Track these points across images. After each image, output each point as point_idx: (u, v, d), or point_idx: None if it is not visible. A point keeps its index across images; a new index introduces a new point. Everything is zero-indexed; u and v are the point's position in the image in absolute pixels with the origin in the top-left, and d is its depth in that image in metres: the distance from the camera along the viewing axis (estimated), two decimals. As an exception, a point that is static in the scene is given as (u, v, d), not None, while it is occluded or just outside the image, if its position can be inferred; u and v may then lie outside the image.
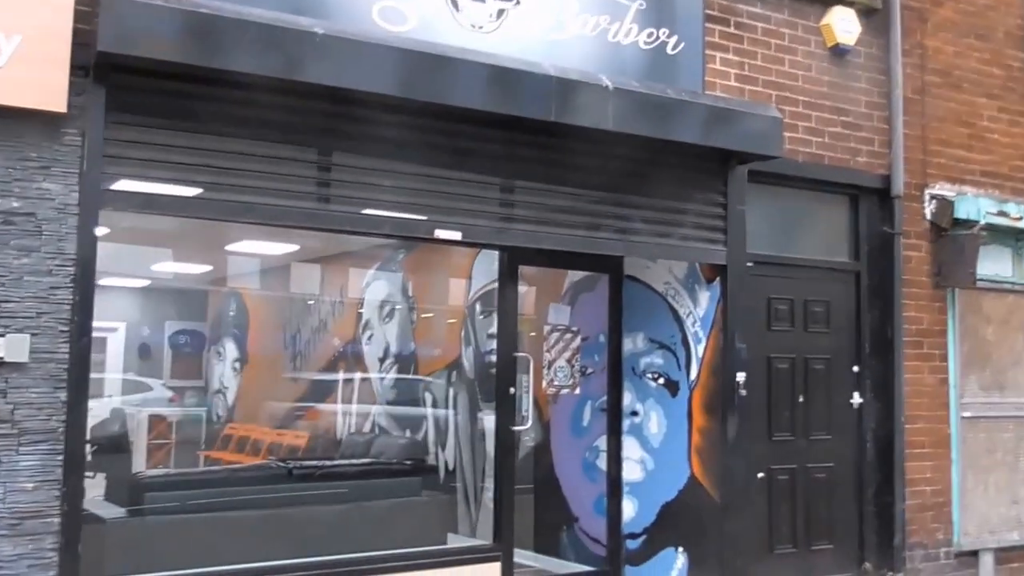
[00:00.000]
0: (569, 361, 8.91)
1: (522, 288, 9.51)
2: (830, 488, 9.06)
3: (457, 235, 7.10)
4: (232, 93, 6.26)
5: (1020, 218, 9.85)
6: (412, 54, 6.62)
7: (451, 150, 7.11)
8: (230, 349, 15.13)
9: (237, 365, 14.97)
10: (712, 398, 8.29)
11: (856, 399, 9.23)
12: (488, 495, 9.81)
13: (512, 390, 8.32)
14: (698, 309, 8.45)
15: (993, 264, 9.91)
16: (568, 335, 8.95)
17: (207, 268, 14.38)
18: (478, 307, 10.46)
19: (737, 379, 8.20)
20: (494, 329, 10.04)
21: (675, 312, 8.63)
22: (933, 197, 9.65)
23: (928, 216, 9.62)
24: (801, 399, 8.95)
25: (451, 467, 10.65)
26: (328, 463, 9.28)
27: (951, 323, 9.69)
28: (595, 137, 7.41)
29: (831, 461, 9.08)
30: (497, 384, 8.36)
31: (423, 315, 11.58)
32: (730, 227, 8.26)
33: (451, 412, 10.80)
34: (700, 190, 8.18)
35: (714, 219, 8.22)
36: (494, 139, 7.25)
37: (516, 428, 8.41)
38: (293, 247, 12.57)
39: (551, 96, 7.11)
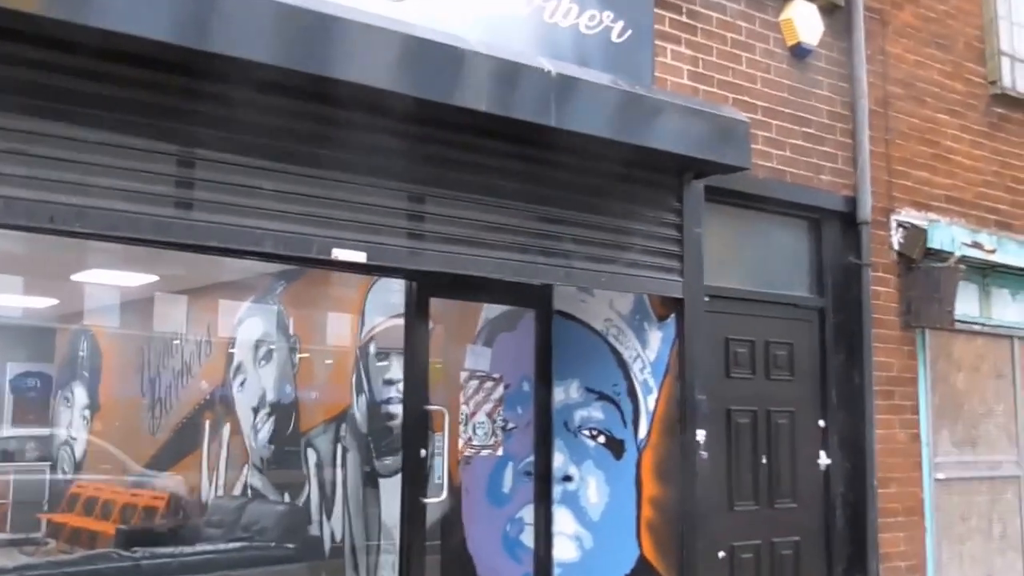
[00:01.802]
0: (490, 415, 7.12)
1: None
2: (796, 566, 7.42)
3: (361, 256, 5.27)
4: (50, 55, 4.37)
5: (994, 251, 8.43)
6: (290, 11, 4.77)
7: (353, 146, 5.30)
8: (79, 394, 12.99)
9: (87, 412, 12.85)
10: (666, 461, 6.60)
11: (823, 459, 7.63)
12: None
13: (423, 452, 6.52)
14: (648, 352, 6.77)
15: (960, 303, 8.42)
16: (489, 383, 7.16)
17: (54, 301, 12.23)
18: (372, 348, 8.67)
19: (697, 438, 6.53)
20: (392, 375, 8.32)
21: (619, 356, 6.93)
22: (900, 224, 8.16)
23: (896, 246, 8.12)
24: (764, 460, 7.31)
25: (338, 539, 8.81)
26: (187, 550, 7.22)
27: (922, 369, 8.19)
28: (532, 137, 5.73)
29: (797, 534, 7.44)
30: (404, 445, 6.58)
31: (306, 357, 9.67)
32: (686, 254, 6.60)
33: (339, 473, 8.95)
34: (652, 208, 6.51)
35: (667, 243, 6.56)
36: (406, 134, 5.47)
37: (428, 500, 6.60)
38: (153, 277, 10.56)
39: (480, 80, 5.39)
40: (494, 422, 7.14)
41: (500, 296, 7.19)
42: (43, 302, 12.17)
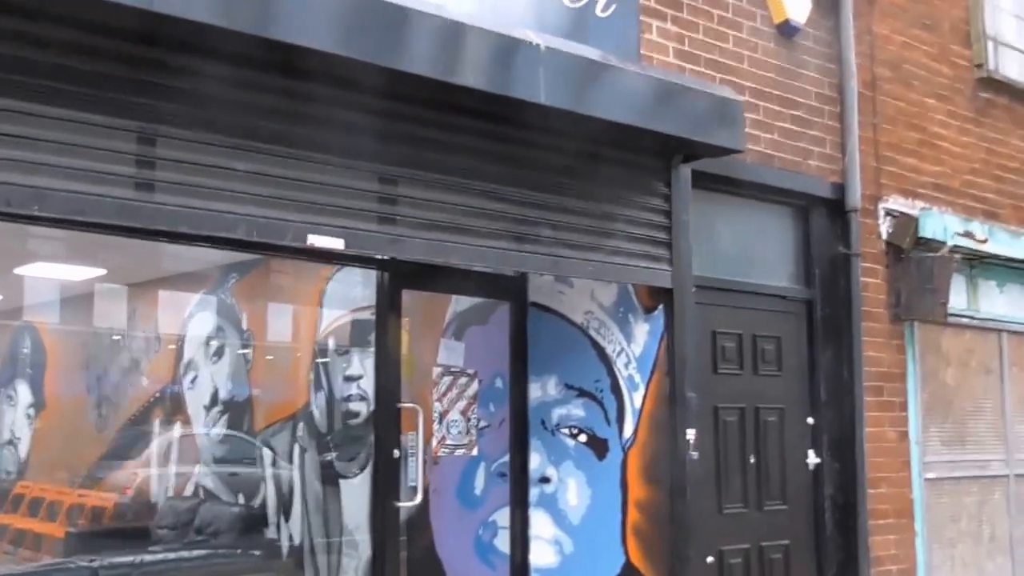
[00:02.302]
0: (464, 413, 6.66)
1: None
2: (786, 571, 7.02)
3: (339, 243, 4.78)
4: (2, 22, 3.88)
5: (985, 240, 8.09)
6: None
7: (328, 124, 4.82)
8: (23, 392, 12.32)
9: (31, 411, 12.16)
10: (655, 462, 6.19)
11: (812, 458, 7.25)
12: None
13: (396, 453, 6.07)
14: (633, 347, 6.35)
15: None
16: (463, 379, 6.70)
17: (-7, 296, 11.59)
18: (331, 343, 8.20)
19: (688, 437, 6.13)
20: (352, 371, 7.85)
21: (601, 350, 6.51)
22: (888, 213, 7.80)
23: (884, 235, 7.75)
24: (753, 459, 6.91)
25: (296, 541, 8.32)
26: (148, 559, 6.63)
27: (911, 364, 7.83)
28: (518, 116, 5.30)
29: (787, 537, 7.04)
30: (377, 445, 6.13)
31: (260, 353, 9.16)
32: (675, 242, 6.19)
33: (296, 474, 8.46)
34: (639, 193, 6.09)
35: (656, 231, 6.13)
36: (385, 112, 5.00)
37: (402, 505, 6.14)
38: (99, 271, 9.97)
39: (464, 53, 4.95)
40: (468, 420, 6.69)
41: (474, 287, 6.75)
42: (-17, 295, 11.54)
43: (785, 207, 7.40)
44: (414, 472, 6.29)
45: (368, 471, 7.72)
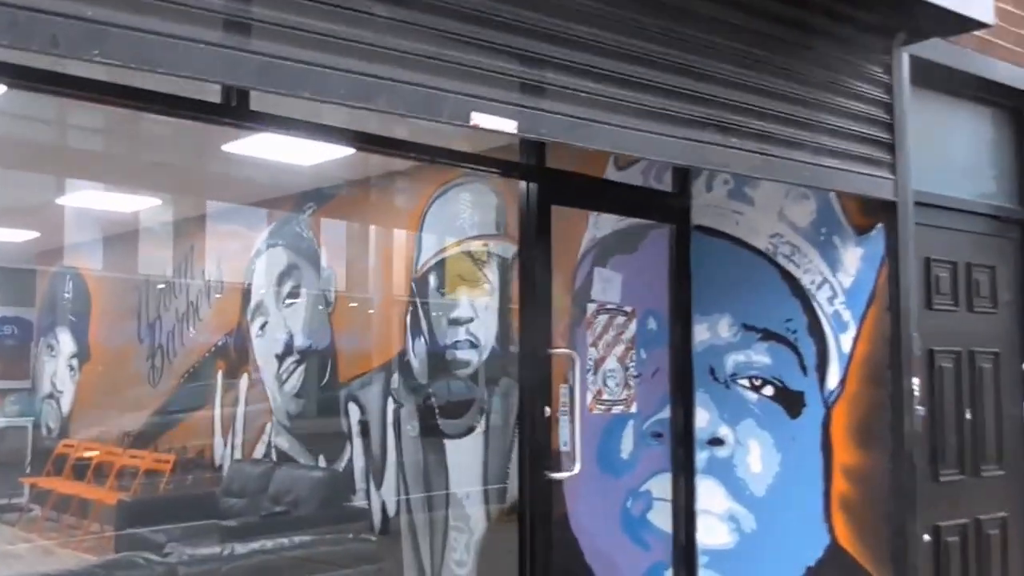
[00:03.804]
0: (622, 360, 5.41)
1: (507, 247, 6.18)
2: (1004, 550, 5.76)
3: (510, 125, 3.51)
4: None
5: None
6: None
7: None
8: (65, 342, 11.21)
9: (75, 362, 11.09)
10: (869, 420, 4.93)
11: (1030, 412, 5.98)
12: (457, 559, 6.51)
13: (547, 411, 4.82)
14: (840, 277, 5.06)
15: None
16: (620, 319, 5.44)
17: (34, 235, 10.40)
18: (432, 280, 6.98)
19: (912, 387, 4.87)
20: (459, 313, 6.64)
21: (793, 282, 5.22)
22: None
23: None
24: (968, 414, 5.63)
25: (391, 512, 7.17)
26: (239, 549, 5.34)
27: None
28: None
29: (1004, 508, 5.78)
30: (522, 402, 4.86)
31: (344, 293, 7.94)
32: (899, 142, 4.90)
33: (391, 433, 7.28)
34: (857, 79, 4.79)
35: (876, 128, 4.83)
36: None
37: (557, 476, 4.90)
38: (152, 201, 8.77)
39: None
40: (626, 369, 5.44)
41: (631, 205, 5.50)
42: (20, 235, 10.35)
43: (999, 108, 6.05)
44: (566, 434, 5.05)
45: (480, 430, 6.54)
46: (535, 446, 4.77)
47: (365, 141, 4.31)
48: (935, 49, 5.11)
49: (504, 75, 3.47)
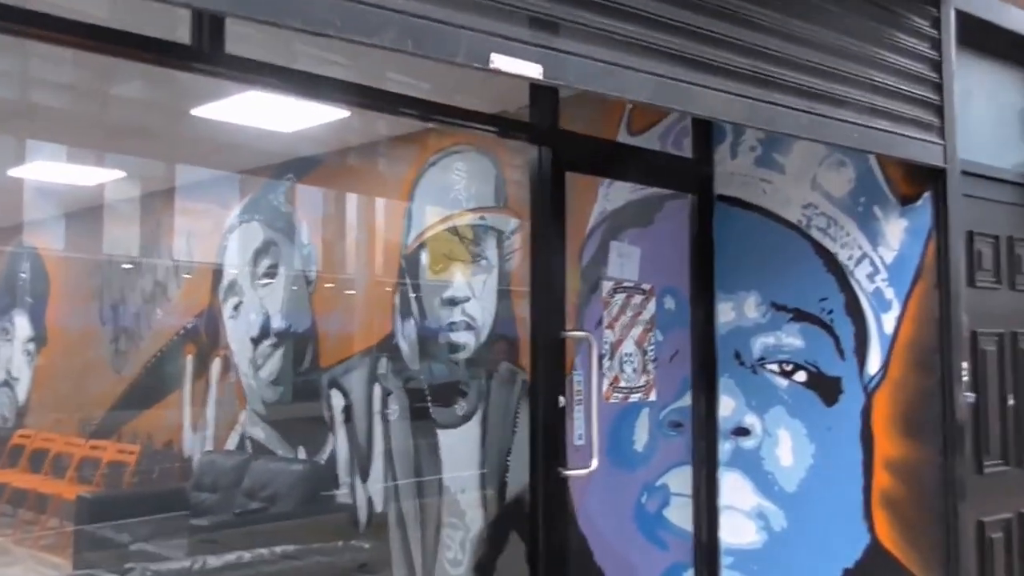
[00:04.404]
0: (640, 344, 4.98)
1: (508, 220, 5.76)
2: (1046, 547, 5.40)
3: (534, 69, 3.03)
4: None
5: None
6: None
7: None
8: (21, 325, 10.64)
9: (31, 347, 10.52)
10: (916, 407, 4.53)
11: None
12: (451, 558, 6.09)
13: (562, 401, 4.37)
14: (882, 251, 4.65)
15: None
16: (637, 298, 5.01)
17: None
18: (423, 257, 6.53)
19: (962, 372, 4.48)
20: (455, 292, 6.20)
21: (830, 257, 4.80)
22: None
23: None
24: (1011, 400, 5.24)
25: (379, 508, 6.73)
26: (212, 562, 4.77)
27: None
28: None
29: (1047, 502, 5.42)
30: (533, 390, 4.41)
31: (327, 272, 7.46)
32: (947, 104, 4.50)
33: (378, 422, 6.83)
34: (904, 33, 4.37)
35: (925, 88, 4.43)
36: None
37: (572, 473, 4.45)
38: (117, 174, 8.24)
39: None
40: (644, 353, 5.00)
41: (651, 174, 5.06)
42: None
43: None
44: (582, 426, 4.61)
45: (477, 418, 6.12)
46: (548, 440, 4.33)
47: (356, 95, 3.81)
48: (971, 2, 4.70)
49: (528, 10, 3.01)
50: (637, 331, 4.93)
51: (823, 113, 3.92)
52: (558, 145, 4.41)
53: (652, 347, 5.01)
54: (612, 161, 4.80)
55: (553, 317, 4.36)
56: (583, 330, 4.75)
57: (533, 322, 4.42)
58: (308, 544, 5.74)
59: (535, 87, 4.33)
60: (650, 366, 4.98)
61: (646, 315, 4.98)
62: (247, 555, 4.76)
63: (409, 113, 4.03)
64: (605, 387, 4.77)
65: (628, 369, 4.88)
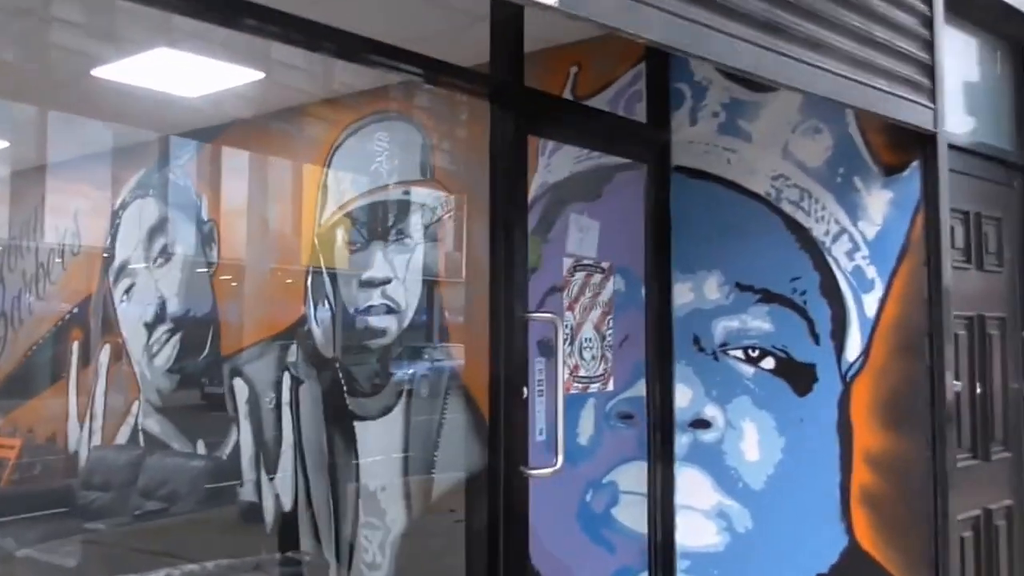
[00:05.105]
0: (598, 328, 4.42)
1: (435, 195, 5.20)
2: (1010, 543, 4.98)
3: (550, -1, 2.46)
4: None
5: None
6: None
7: None
8: None
9: None
10: (900, 396, 4.07)
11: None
12: (369, 561, 5.51)
13: (524, 392, 3.79)
14: (863, 226, 4.17)
15: None
16: (596, 277, 4.45)
17: None
18: (340, 235, 5.92)
19: (948, 358, 4.04)
20: (374, 273, 5.60)
21: (803, 233, 4.32)
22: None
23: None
24: (979, 388, 4.82)
25: (287, 506, 6.08)
26: None
27: None
28: None
29: (1011, 496, 5.01)
30: (494, 380, 3.81)
31: (229, 251, 6.75)
32: (938, 63, 4.05)
33: (287, 414, 6.18)
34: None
35: (916, 46, 3.96)
36: None
37: (536, 473, 3.85)
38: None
39: None
40: (603, 339, 4.45)
41: (606, 140, 4.50)
42: None
43: (1002, 39, 5.24)
44: (542, 420, 4.04)
45: (400, 410, 5.54)
46: (510, 435, 3.74)
47: (285, 26, 3.14)
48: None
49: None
50: (596, 314, 4.39)
51: (822, 65, 3.40)
52: (522, 105, 3.83)
53: (611, 331, 4.46)
54: (572, 125, 4.24)
55: (515, 297, 3.77)
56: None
57: (492, 303, 3.83)
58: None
59: (495, 40, 3.74)
60: (608, 352, 4.44)
61: (605, 296, 4.45)
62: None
63: (368, 60, 3.39)
64: (565, 376, 4.20)
65: (587, 356, 4.33)
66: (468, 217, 5.32)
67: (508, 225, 3.76)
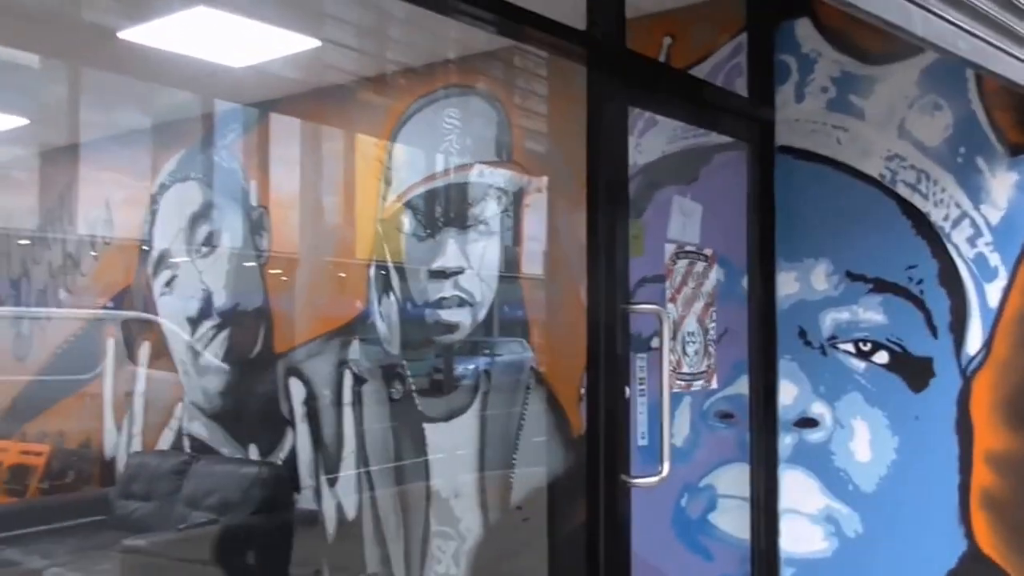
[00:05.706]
0: (701, 321, 4.71)
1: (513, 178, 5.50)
2: None
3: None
4: None
5: None
6: None
7: None
8: None
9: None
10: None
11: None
12: (442, 573, 5.83)
13: (627, 391, 4.07)
14: (986, 210, 4.44)
15: None
16: (699, 266, 4.74)
17: None
18: (406, 221, 6.23)
19: (1075, 352, 4.31)
20: (444, 262, 5.92)
21: (920, 218, 4.59)
22: None
23: None
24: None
25: (350, 515, 6.43)
26: None
27: None
28: None
29: None
30: (591, 380, 4.08)
31: (283, 240, 7.09)
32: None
33: (348, 415, 6.52)
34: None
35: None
36: None
37: (640, 482, 4.11)
38: (17, 121, 7.74)
39: None
40: (706, 332, 4.74)
41: (711, 118, 4.79)
42: None
43: None
44: (646, 424, 4.33)
45: (474, 411, 5.85)
46: (609, 440, 4.01)
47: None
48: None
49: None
50: (699, 306, 4.67)
51: (977, 33, 3.64)
52: (625, 71, 4.09)
53: (714, 324, 4.75)
54: (676, 100, 4.50)
55: (614, 286, 4.05)
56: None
57: (590, 293, 4.11)
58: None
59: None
60: (712, 347, 4.73)
61: (708, 286, 4.73)
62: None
63: (455, 7, 3.59)
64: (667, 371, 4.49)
65: (691, 351, 4.62)
66: (551, 202, 5.64)
67: (609, 207, 4.01)
